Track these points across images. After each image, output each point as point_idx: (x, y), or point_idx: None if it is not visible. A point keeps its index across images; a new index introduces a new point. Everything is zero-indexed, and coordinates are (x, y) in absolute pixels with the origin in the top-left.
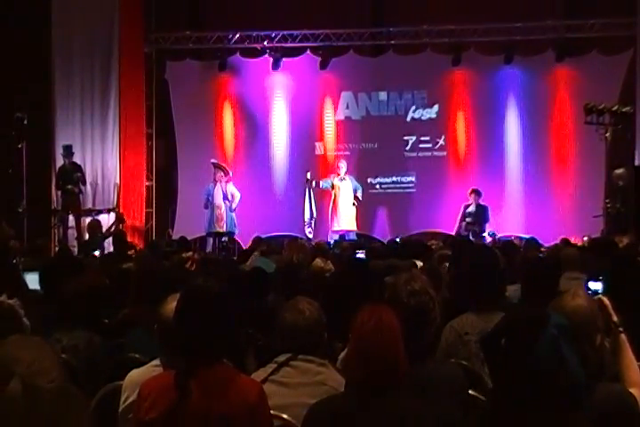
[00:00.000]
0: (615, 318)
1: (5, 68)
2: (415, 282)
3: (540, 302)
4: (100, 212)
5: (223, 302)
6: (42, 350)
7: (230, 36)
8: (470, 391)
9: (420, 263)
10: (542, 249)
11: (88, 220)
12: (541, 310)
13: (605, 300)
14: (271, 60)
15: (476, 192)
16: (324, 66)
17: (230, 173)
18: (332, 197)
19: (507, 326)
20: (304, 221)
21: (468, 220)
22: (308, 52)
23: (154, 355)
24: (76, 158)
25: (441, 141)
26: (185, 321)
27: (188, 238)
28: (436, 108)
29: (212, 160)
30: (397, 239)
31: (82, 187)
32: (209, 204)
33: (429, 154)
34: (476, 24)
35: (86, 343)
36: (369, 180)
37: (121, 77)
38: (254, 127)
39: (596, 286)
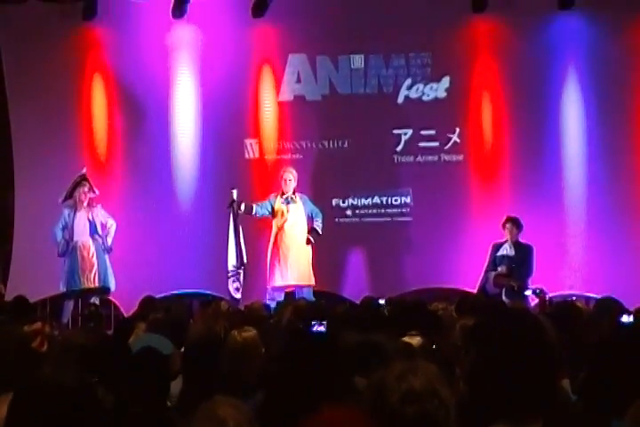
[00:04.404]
0: None
1: None
2: (415, 377)
3: (619, 402)
4: None
5: (85, 408)
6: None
7: None
8: None
9: (417, 340)
10: (625, 317)
11: None
12: None
13: None
14: (172, 0)
15: (514, 223)
16: (259, 10)
17: (96, 191)
18: (274, 229)
19: None
20: (227, 271)
21: (500, 268)
22: None
23: None
24: None
25: (454, 137)
26: None
27: (31, 301)
28: (445, 82)
29: (84, 170)
30: (381, 301)
31: None
32: (66, 244)
33: (435, 158)
34: None
35: None
36: (334, 201)
37: None
38: (144, 116)
39: None
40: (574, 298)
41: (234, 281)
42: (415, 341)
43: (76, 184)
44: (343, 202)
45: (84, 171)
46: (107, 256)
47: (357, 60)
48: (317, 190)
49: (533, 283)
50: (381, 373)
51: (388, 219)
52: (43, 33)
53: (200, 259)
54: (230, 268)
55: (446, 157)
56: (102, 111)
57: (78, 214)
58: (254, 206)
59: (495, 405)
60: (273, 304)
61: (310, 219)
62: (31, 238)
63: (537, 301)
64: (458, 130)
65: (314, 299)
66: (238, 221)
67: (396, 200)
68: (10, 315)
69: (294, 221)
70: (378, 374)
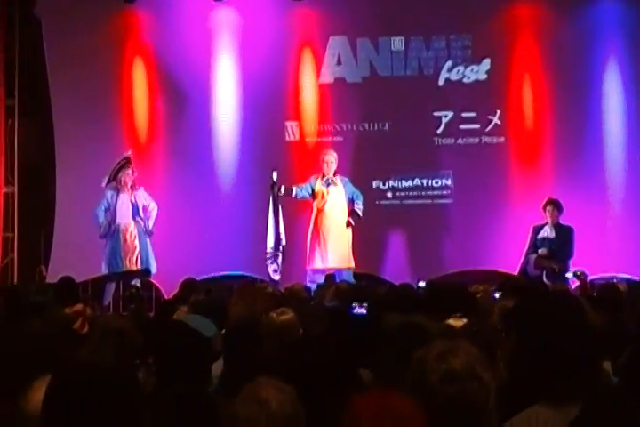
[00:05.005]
0: None
1: None
2: (455, 357)
3: None
4: None
5: (123, 390)
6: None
7: None
8: None
9: (462, 322)
10: None
11: None
12: None
13: None
14: None
15: (555, 205)
16: None
17: (135, 173)
18: (314, 212)
19: None
20: (266, 253)
21: (540, 251)
22: None
23: None
24: None
25: (495, 120)
26: (55, 420)
27: (76, 281)
28: (486, 64)
29: (128, 153)
30: (421, 283)
31: None
32: (108, 226)
33: (476, 141)
34: None
35: None
36: (375, 183)
37: None
38: (185, 98)
39: None
40: (615, 280)
41: (272, 263)
42: (461, 323)
43: (121, 166)
44: (384, 184)
45: (129, 153)
46: (148, 239)
47: (398, 43)
48: (358, 173)
49: (574, 265)
50: (422, 352)
51: (429, 201)
52: (84, 16)
53: (241, 241)
54: (268, 250)
55: (487, 140)
56: (143, 94)
57: (121, 196)
58: (294, 188)
59: (536, 387)
60: (313, 286)
61: (351, 201)
62: (72, 220)
63: (578, 283)
64: (499, 112)
65: (354, 281)
66: (278, 202)
67: (436, 182)
68: (51, 296)
69: (334, 203)
70: (418, 353)
